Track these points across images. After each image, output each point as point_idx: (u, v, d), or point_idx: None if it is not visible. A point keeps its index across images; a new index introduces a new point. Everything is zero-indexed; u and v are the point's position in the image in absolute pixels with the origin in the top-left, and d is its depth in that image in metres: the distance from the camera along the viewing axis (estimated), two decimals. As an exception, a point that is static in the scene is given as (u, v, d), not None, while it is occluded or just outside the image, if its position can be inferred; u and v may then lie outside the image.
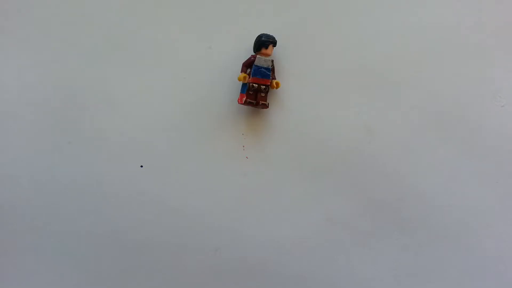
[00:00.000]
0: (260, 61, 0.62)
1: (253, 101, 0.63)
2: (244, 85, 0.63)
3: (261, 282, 0.65)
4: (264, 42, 0.62)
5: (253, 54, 0.63)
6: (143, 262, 0.65)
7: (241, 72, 0.63)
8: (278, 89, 0.64)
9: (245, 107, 0.64)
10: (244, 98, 0.62)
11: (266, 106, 0.64)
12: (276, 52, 0.65)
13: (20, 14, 0.66)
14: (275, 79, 0.64)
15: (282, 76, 0.65)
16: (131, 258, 0.65)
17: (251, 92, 0.63)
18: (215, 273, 0.65)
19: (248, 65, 0.63)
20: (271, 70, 0.63)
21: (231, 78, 0.66)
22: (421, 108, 0.65)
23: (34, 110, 0.65)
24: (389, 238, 0.65)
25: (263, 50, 0.62)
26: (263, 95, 0.63)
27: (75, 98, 0.66)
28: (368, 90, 0.65)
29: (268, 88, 0.63)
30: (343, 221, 0.65)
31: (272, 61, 0.63)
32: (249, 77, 0.62)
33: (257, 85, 0.62)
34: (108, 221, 0.65)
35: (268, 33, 0.63)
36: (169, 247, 0.65)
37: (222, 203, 0.65)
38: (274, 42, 0.63)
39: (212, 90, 0.66)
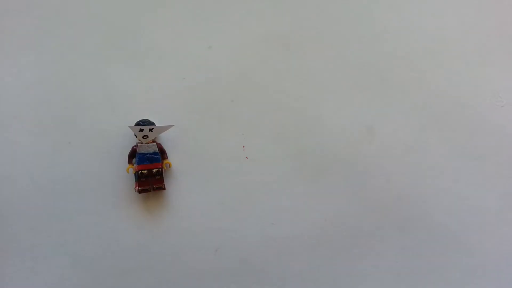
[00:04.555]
0: (143, 148, 0.62)
1: (146, 188, 0.63)
2: (135, 174, 0.63)
3: (261, 282, 0.65)
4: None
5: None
6: (143, 262, 0.65)
7: (128, 163, 0.63)
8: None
9: None
10: (136, 188, 0.63)
11: (162, 188, 0.63)
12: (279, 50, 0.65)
13: (20, 14, 0.66)
14: (166, 158, 0.63)
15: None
16: (131, 258, 0.65)
17: (143, 179, 0.62)
18: (215, 273, 0.65)
19: (131, 155, 0.63)
20: (161, 152, 0.63)
21: (231, 78, 0.66)
22: (422, 108, 0.65)
23: (34, 110, 0.65)
24: (389, 238, 0.65)
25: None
26: (158, 177, 0.63)
27: (75, 98, 0.66)
28: (368, 90, 0.65)
29: (161, 170, 0.63)
30: (343, 221, 0.65)
31: (157, 144, 0.63)
32: (136, 166, 0.62)
33: (147, 171, 0.62)
34: (108, 221, 0.65)
35: (143, 119, 0.63)
36: (169, 247, 0.65)
37: (222, 203, 0.65)
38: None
39: (212, 90, 0.66)
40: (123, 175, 0.65)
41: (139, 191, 0.63)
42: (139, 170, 0.62)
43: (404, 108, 0.65)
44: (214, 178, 0.65)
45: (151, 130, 0.61)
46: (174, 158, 0.65)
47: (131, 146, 0.63)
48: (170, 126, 0.62)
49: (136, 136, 0.62)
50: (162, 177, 0.63)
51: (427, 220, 0.65)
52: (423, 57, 0.65)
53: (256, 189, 0.65)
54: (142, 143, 0.62)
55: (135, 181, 0.63)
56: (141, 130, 0.61)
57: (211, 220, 0.65)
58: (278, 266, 0.65)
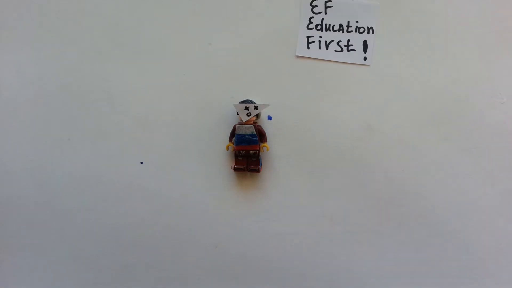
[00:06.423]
0: (241, 129, 0.62)
1: (241, 167, 0.63)
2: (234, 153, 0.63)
3: (260, 278, 0.65)
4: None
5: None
6: (143, 259, 0.65)
7: (229, 141, 0.63)
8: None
9: None
10: (232, 165, 0.64)
11: (257, 171, 0.63)
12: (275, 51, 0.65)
13: (20, 12, 0.66)
14: (265, 142, 0.63)
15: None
16: (131, 254, 0.65)
17: (240, 158, 0.63)
18: (214, 269, 0.65)
19: (232, 134, 0.63)
20: (260, 134, 0.63)
21: (231, 75, 0.65)
22: (421, 105, 0.65)
23: (34, 107, 0.65)
24: (389, 235, 0.65)
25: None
26: (254, 159, 0.63)
27: (75, 95, 0.66)
28: (367, 88, 0.65)
29: (258, 152, 0.63)
30: (343, 218, 0.65)
31: (257, 126, 0.62)
32: (235, 146, 0.62)
33: (244, 151, 0.62)
34: (108, 218, 0.65)
35: (246, 99, 0.62)
36: (169, 244, 0.65)
37: (222, 200, 0.65)
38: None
39: (212, 87, 0.66)
40: (123, 171, 0.65)
41: (234, 169, 0.63)
42: (238, 150, 0.62)
43: (404, 105, 0.65)
44: (215, 175, 0.65)
45: (256, 107, 0.61)
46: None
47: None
48: (268, 105, 0.62)
49: (238, 114, 0.62)
50: (258, 160, 0.63)
51: (427, 216, 0.65)
52: (422, 54, 0.65)
53: (256, 187, 0.65)
54: (241, 124, 0.62)
55: (235, 158, 0.64)
56: (246, 108, 0.61)
57: (211, 217, 0.65)
58: (278, 263, 0.65)
